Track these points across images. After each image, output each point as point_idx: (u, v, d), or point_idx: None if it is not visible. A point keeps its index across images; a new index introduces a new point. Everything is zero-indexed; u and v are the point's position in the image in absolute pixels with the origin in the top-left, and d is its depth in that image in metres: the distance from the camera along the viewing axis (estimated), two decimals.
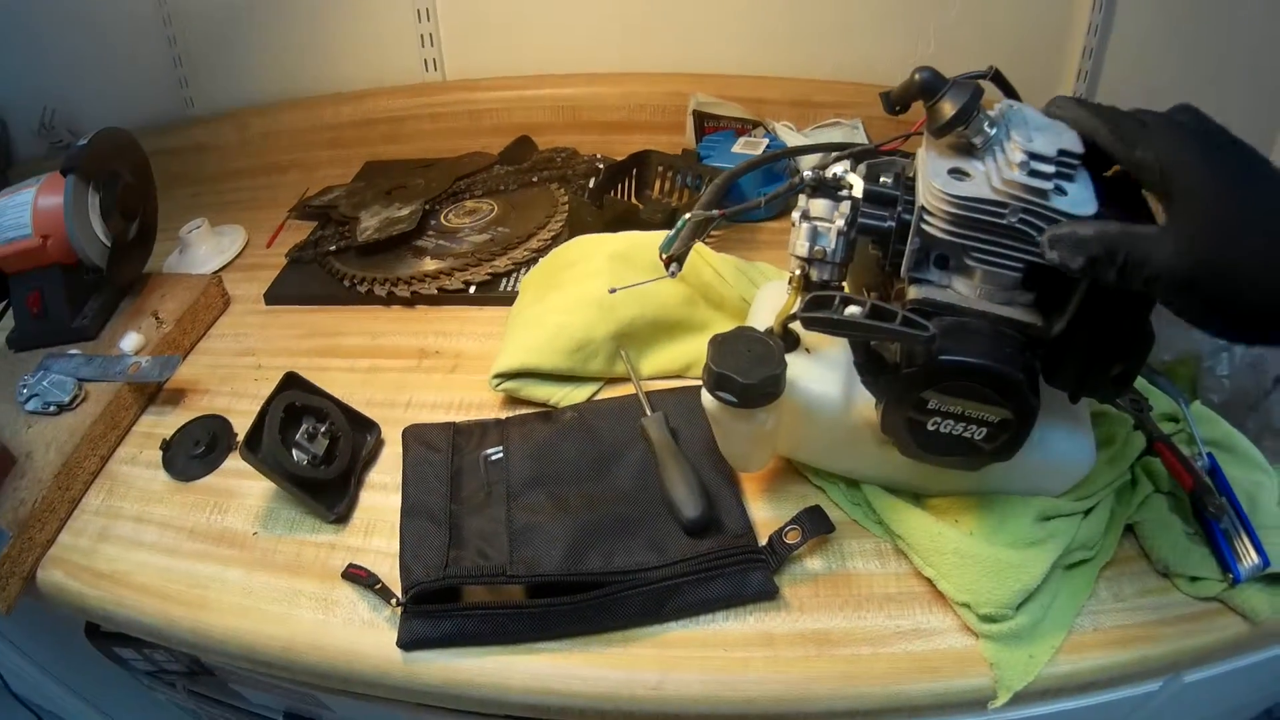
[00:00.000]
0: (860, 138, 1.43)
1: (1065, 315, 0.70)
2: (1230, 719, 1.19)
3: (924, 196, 0.70)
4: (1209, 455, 0.89)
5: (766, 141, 1.43)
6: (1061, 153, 0.66)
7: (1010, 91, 0.78)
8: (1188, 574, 0.83)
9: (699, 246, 1.06)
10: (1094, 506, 0.86)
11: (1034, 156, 0.66)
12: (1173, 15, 1.34)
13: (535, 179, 1.47)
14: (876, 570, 0.84)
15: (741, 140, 1.44)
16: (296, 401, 0.94)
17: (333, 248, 1.35)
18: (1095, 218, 0.66)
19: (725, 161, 1.38)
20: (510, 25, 1.62)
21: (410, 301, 1.25)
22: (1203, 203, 0.59)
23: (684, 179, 1.38)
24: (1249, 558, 0.81)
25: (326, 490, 0.92)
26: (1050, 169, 0.66)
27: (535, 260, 1.23)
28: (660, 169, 1.41)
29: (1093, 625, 0.79)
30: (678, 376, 1.06)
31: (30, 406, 1.04)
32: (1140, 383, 0.96)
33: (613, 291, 0.91)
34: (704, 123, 1.50)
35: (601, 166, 1.45)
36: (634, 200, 1.42)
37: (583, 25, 1.60)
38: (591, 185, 1.35)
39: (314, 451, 0.93)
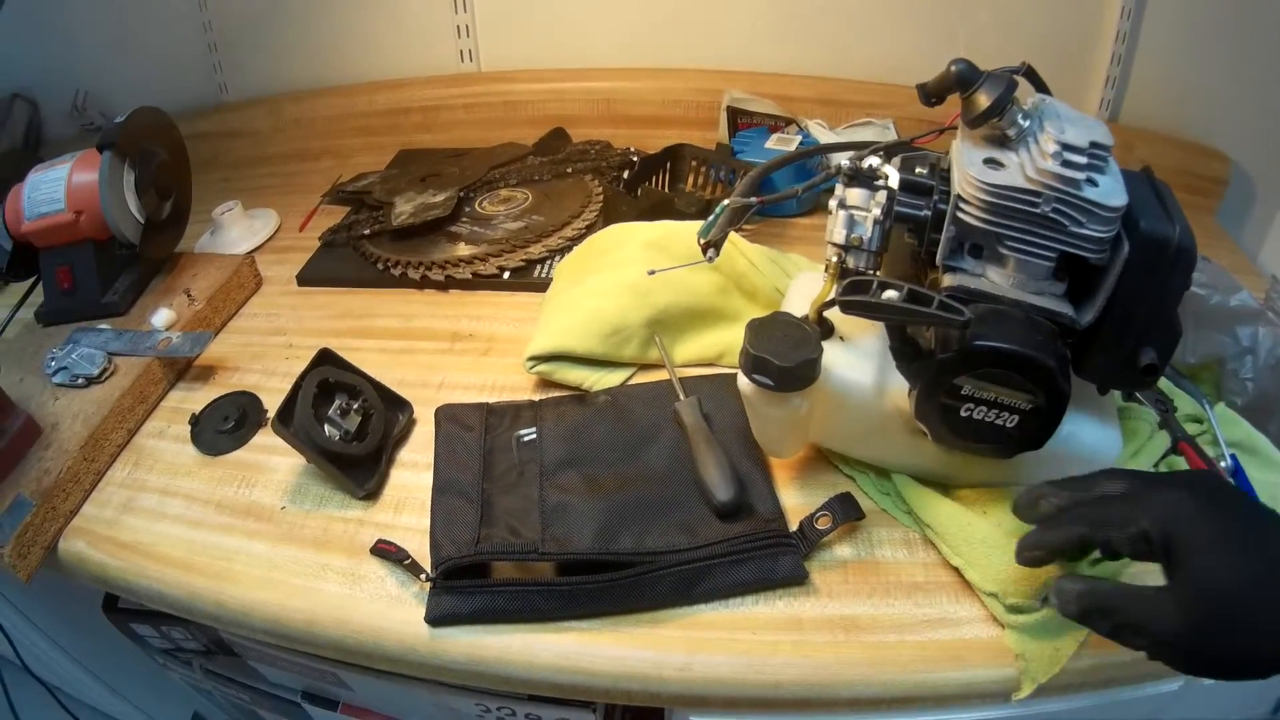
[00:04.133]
0: (891, 137, 1.43)
1: (1095, 306, 0.72)
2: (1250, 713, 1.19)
3: (960, 185, 0.72)
4: (1232, 456, 0.89)
5: (799, 138, 1.43)
6: (1093, 144, 0.68)
7: (1042, 86, 0.80)
8: None
9: (733, 236, 1.07)
10: None
11: (1067, 147, 0.68)
12: (1200, 21, 1.36)
13: (569, 170, 1.47)
14: (905, 559, 0.85)
15: (775, 136, 1.44)
16: (330, 378, 0.95)
17: (367, 231, 1.36)
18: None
19: (758, 157, 1.39)
20: (545, 18, 1.63)
21: (444, 286, 1.25)
22: (1206, 569, 0.59)
23: (717, 173, 1.39)
24: None
25: (357, 466, 0.93)
26: (1083, 160, 0.68)
27: (569, 248, 1.24)
28: (694, 162, 1.42)
29: None
30: (711, 364, 1.06)
31: (58, 379, 1.04)
32: (1165, 384, 0.97)
33: (651, 273, 0.92)
34: (738, 119, 1.51)
35: (636, 159, 1.46)
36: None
37: (618, 20, 1.61)
38: (627, 176, 1.36)
39: (346, 427, 0.93)
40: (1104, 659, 0.77)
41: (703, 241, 0.81)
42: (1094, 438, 0.81)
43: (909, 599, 0.81)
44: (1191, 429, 0.93)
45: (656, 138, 1.51)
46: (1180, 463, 0.89)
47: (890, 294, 0.71)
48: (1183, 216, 0.71)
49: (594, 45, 1.64)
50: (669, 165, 1.43)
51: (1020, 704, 0.77)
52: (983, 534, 0.80)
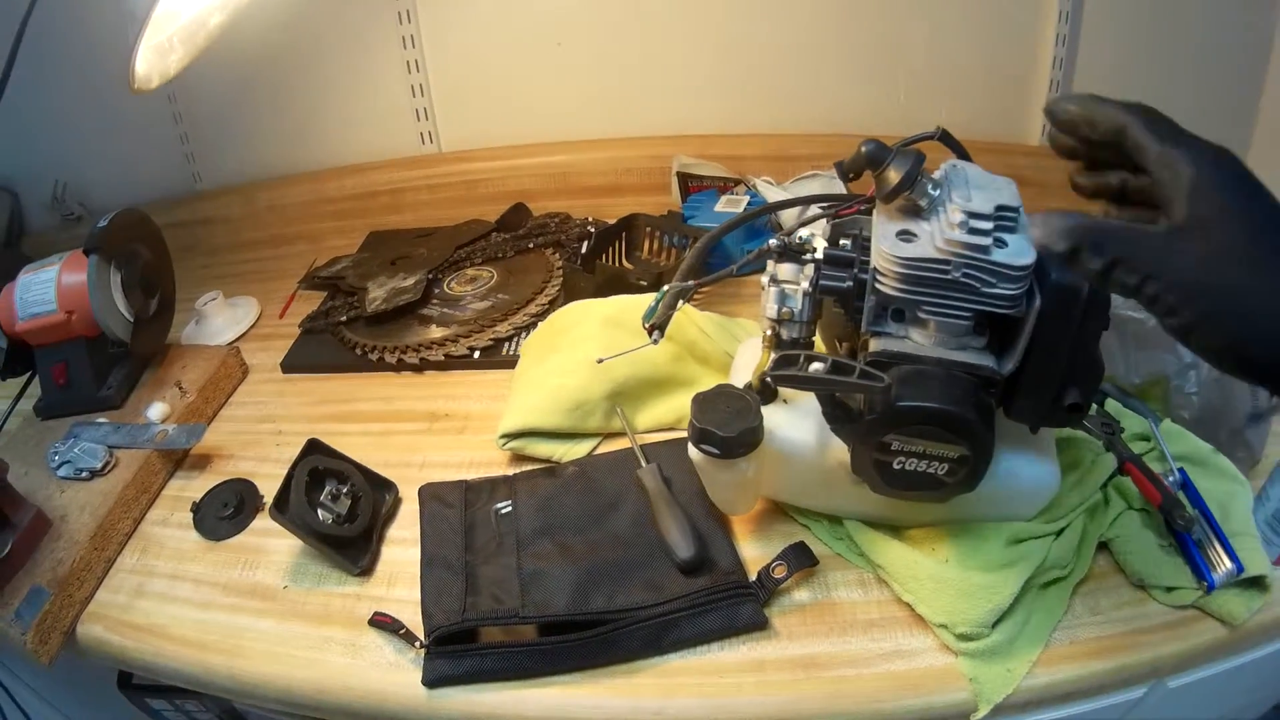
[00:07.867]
0: (838, 188, 1.45)
1: (1015, 355, 0.75)
2: None
3: (875, 258, 0.76)
4: (1180, 470, 0.93)
5: (748, 198, 1.47)
6: (999, 209, 0.72)
7: (959, 150, 0.84)
8: (1162, 585, 0.86)
9: (684, 306, 1.12)
10: (1065, 528, 0.89)
11: (972, 215, 0.71)
12: (1138, 20, 1.40)
13: (531, 245, 1.52)
14: (859, 598, 0.90)
15: (724, 198, 1.48)
16: (319, 465, 1.00)
17: (343, 318, 1.41)
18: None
19: (709, 220, 1.43)
20: (499, 97, 1.67)
21: (419, 368, 1.31)
22: (1230, 221, 0.52)
23: (671, 239, 1.43)
24: (1222, 565, 0.84)
25: (350, 546, 0.98)
26: (988, 225, 0.71)
27: (534, 325, 1.29)
28: (648, 230, 1.46)
29: (1069, 639, 0.84)
30: (670, 429, 1.12)
31: (62, 473, 1.08)
32: (1114, 406, 1.00)
33: (600, 361, 0.96)
34: (688, 183, 1.55)
35: (593, 230, 1.50)
36: (624, 263, 1.47)
37: (568, 94, 1.65)
38: (584, 251, 1.40)
39: (337, 511, 0.99)
40: (1059, 674, 0.81)
41: (647, 325, 0.86)
42: (1031, 473, 0.85)
43: (865, 635, 0.86)
44: (1140, 447, 0.97)
45: (613, 206, 1.56)
46: (1127, 484, 0.93)
47: (816, 366, 0.76)
48: None
49: (547, 120, 1.68)
50: (624, 235, 1.47)
51: None
52: (929, 571, 0.85)
